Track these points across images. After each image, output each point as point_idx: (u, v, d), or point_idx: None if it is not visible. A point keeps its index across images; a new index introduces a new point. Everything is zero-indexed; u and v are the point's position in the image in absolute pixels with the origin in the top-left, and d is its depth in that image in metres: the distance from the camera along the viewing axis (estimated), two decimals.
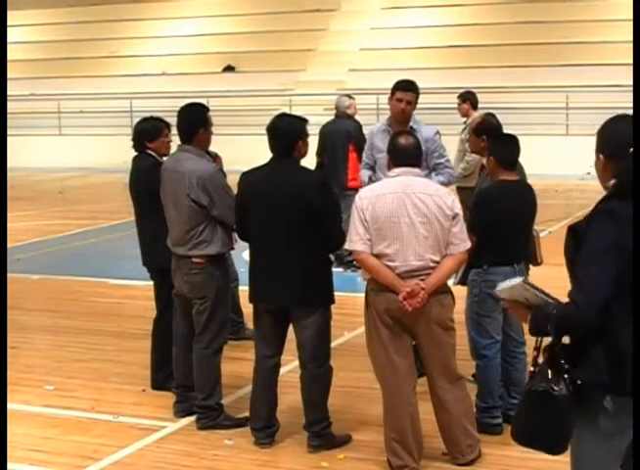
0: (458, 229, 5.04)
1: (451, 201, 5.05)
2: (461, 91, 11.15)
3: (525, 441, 3.41)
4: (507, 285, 3.64)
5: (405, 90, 6.58)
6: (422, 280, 4.97)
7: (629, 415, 3.18)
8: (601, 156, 3.39)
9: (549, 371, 3.27)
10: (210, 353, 5.87)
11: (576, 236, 3.34)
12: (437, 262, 5.01)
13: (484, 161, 5.89)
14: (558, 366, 3.26)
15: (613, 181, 3.33)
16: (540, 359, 3.36)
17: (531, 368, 3.36)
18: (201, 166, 5.74)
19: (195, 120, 5.85)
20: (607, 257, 3.21)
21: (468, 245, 5.10)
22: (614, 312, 3.22)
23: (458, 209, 5.05)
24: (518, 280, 3.66)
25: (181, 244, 5.80)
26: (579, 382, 3.22)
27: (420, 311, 4.98)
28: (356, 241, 5.02)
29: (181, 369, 6.05)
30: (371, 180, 6.39)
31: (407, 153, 5.14)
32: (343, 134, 10.83)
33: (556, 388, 3.23)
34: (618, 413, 3.21)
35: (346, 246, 5.14)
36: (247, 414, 5.79)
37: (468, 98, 10.84)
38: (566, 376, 3.23)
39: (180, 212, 5.77)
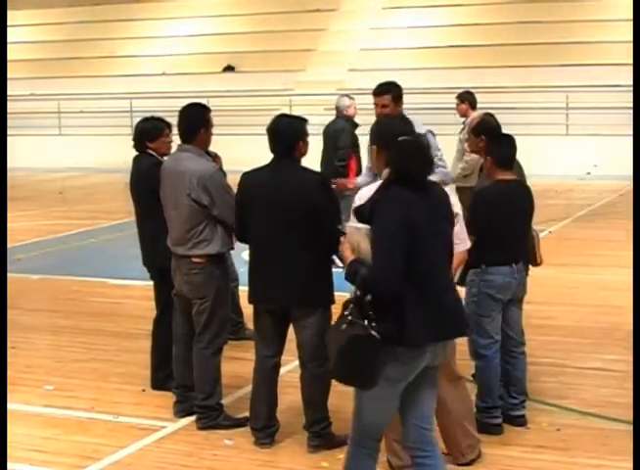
0: (458, 229, 5.03)
1: (451, 200, 5.04)
2: (460, 91, 11.15)
3: (345, 379, 4.07)
4: (355, 225, 4.11)
5: (377, 94, 6.63)
6: None
7: (410, 364, 3.93)
8: (374, 146, 4.13)
9: (365, 320, 3.86)
10: (210, 354, 5.87)
11: (361, 217, 4.03)
12: None
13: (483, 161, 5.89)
14: (369, 316, 3.86)
15: (387, 170, 4.07)
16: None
17: (349, 317, 3.91)
18: (201, 166, 5.74)
19: (196, 120, 5.86)
20: (397, 234, 3.86)
21: (468, 244, 5.10)
22: (406, 280, 3.86)
23: (458, 208, 5.05)
24: (366, 227, 4.05)
25: (181, 243, 5.80)
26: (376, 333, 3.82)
27: None
28: None
29: (181, 369, 6.05)
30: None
31: None
32: (330, 135, 11.03)
33: (374, 333, 3.83)
34: (403, 362, 3.92)
35: None
36: (247, 414, 5.79)
37: (466, 98, 10.85)
38: (374, 325, 3.84)
39: (180, 212, 5.77)
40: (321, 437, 5.49)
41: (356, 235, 4.09)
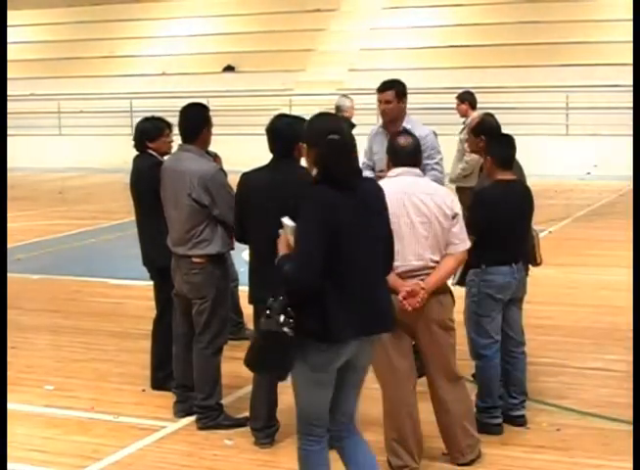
0: (458, 229, 5.04)
1: (451, 200, 5.05)
2: (460, 91, 11.15)
3: (259, 369, 4.27)
4: (287, 221, 4.16)
5: (381, 91, 6.63)
6: (422, 280, 4.97)
7: (333, 353, 4.05)
8: (304, 144, 4.18)
9: (281, 316, 3.96)
10: (210, 354, 5.87)
11: (290, 212, 4.12)
12: (437, 262, 5.01)
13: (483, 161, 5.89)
14: (287, 312, 3.97)
15: (316, 170, 4.12)
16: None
17: (267, 311, 4.02)
18: (202, 166, 5.74)
19: (199, 120, 5.86)
20: (316, 232, 3.92)
21: (468, 245, 5.10)
22: (326, 278, 3.94)
23: (458, 208, 5.05)
24: (294, 224, 4.13)
25: (181, 243, 5.80)
26: (298, 327, 3.95)
27: (420, 311, 4.98)
28: None
29: (181, 369, 6.05)
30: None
31: (406, 153, 5.14)
32: None
33: (287, 329, 3.95)
34: (325, 353, 4.04)
35: None
36: (247, 414, 5.80)
37: (466, 98, 10.85)
38: (291, 321, 3.95)
39: (180, 212, 5.77)
40: None
41: (288, 231, 4.16)
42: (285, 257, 4.12)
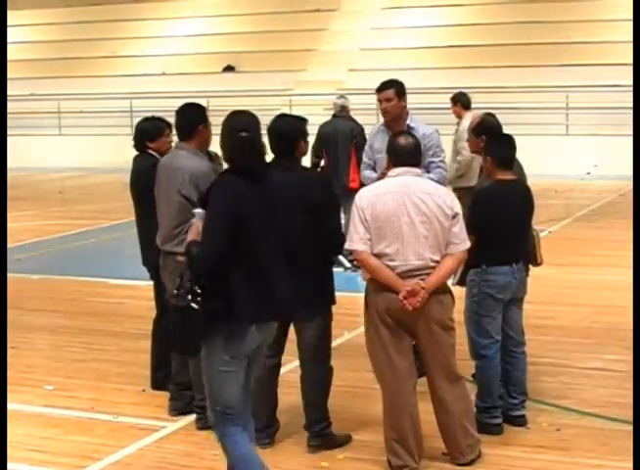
0: (458, 229, 5.04)
1: (451, 200, 5.05)
2: (463, 91, 11.15)
3: (178, 342, 4.42)
4: (198, 210, 4.43)
5: (380, 91, 6.62)
6: (422, 280, 4.97)
7: (241, 341, 4.25)
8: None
9: (189, 295, 4.18)
10: None
11: (201, 201, 4.37)
12: (437, 262, 5.01)
13: (481, 161, 5.88)
14: (194, 292, 4.18)
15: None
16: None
17: (175, 291, 4.26)
18: (194, 164, 5.72)
19: (193, 119, 5.85)
20: (221, 218, 4.18)
21: (468, 244, 5.10)
22: (230, 262, 4.18)
23: (458, 208, 5.06)
24: (204, 211, 4.37)
25: (168, 240, 5.78)
26: (205, 308, 4.16)
27: (420, 311, 4.98)
28: (356, 240, 5.03)
29: (177, 367, 6.05)
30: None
31: (407, 153, 5.14)
32: (348, 135, 10.76)
33: (195, 305, 4.17)
34: (235, 338, 4.23)
35: (346, 245, 5.14)
36: None
37: (459, 99, 10.86)
38: (199, 299, 4.16)
39: (170, 208, 5.76)
40: (321, 437, 5.48)
41: (198, 218, 4.42)
42: (193, 242, 4.36)
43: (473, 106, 10.86)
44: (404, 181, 5.05)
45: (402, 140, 5.20)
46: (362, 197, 5.09)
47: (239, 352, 4.33)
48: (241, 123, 4.43)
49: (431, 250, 4.99)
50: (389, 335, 5.08)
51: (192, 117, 5.86)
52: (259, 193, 4.32)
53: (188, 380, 5.91)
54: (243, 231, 4.23)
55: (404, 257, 4.96)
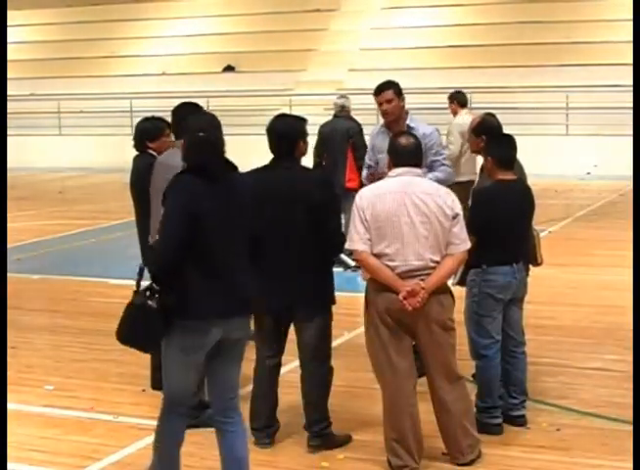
0: (458, 229, 5.04)
1: (451, 201, 5.05)
2: (463, 91, 11.17)
3: (124, 340, 4.48)
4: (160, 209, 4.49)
5: (380, 92, 6.62)
6: (422, 280, 4.97)
7: (198, 336, 4.33)
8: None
9: (147, 291, 4.31)
10: None
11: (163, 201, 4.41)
12: (437, 262, 5.01)
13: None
14: (152, 288, 4.30)
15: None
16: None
17: (135, 287, 4.40)
18: None
19: (186, 116, 5.83)
20: (178, 217, 4.28)
21: (468, 245, 5.09)
22: (186, 259, 4.27)
23: (458, 209, 5.05)
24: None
25: None
26: (161, 303, 4.28)
27: (420, 311, 4.98)
28: (356, 240, 5.03)
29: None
30: (374, 178, 6.35)
31: (407, 153, 5.14)
32: (344, 134, 10.80)
33: (151, 303, 4.28)
34: (191, 334, 4.32)
35: (347, 245, 5.14)
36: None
37: (455, 97, 10.94)
38: (156, 296, 4.28)
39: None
40: (321, 437, 5.48)
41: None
42: (155, 241, 4.54)
43: (473, 106, 10.91)
44: (405, 181, 5.05)
45: (403, 140, 5.20)
46: (362, 197, 5.09)
47: (194, 347, 4.40)
48: (199, 124, 4.49)
49: (431, 250, 4.99)
50: (389, 335, 5.08)
51: (186, 116, 5.84)
52: (217, 192, 4.36)
53: None
54: (200, 229, 4.30)
55: (404, 257, 4.96)
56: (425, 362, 5.22)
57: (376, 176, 6.11)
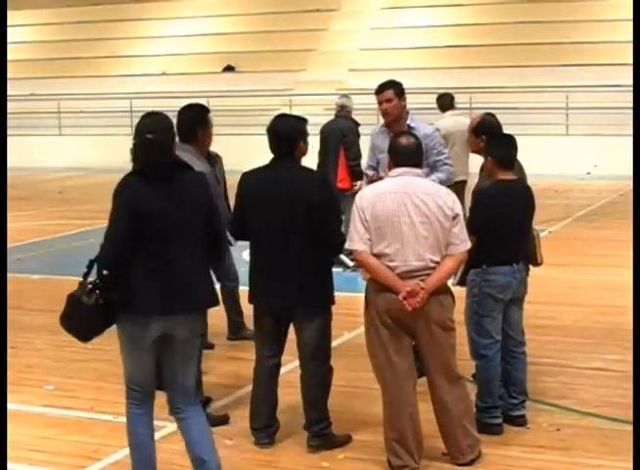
0: (458, 229, 5.04)
1: (451, 201, 5.05)
2: (463, 91, 11.17)
3: (64, 327, 4.79)
4: None
5: (380, 91, 6.63)
6: (422, 280, 4.97)
7: (141, 329, 4.53)
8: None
9: (89, 286, 4.54)
10: None
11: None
12: (437, 263, 5.01)
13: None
14: (95, 283, 4.52)
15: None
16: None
17: (82, 279, 4.61)
18: (195, 166, 5.71)
19: (194, 121, 5.84)
20: (122, 217, 4.46)
21: (468, 245, 5.09)
22: (133, 256, 4.46)
23: (458, 209, 5.05)
24: None
25: None
26: (107, 298, 4.50)
27: (420, 311, 4.98)
28: (356, 240, 5.03)
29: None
30: (372, 179, 6.36)
31: (408, 153, 5.14)
32: (338, 134, 10.82)
33: (85, 298, 4.51)
34: (133, 326, 4.53)
35: (346, 245, 5.14)
36: (226, 412, 5.92)
37: (437, 101, 10.97)
38: (97, 291, 4.49)
39: None
40: (321, 437, 5.48)
41: None
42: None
43: (473, 106, 10.92)
44: (405, 181, 5.05)
45: (404, 140, 5.20)
46: (362, 197, 5.09)
47: (140, 340, 4.59)
48: (148, 125, 4.55)
49: (431, 250, 4.98)
50: (389, 335, 5.08)
51: (190, 120, 5.85)
52: (165, 192, 4.48)
53: None
54: (145, 229, 4.44)
55: (404, 257, 4.96)
56: (425, 362, 5.22)
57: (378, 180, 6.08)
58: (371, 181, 6.24)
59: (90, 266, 4.65)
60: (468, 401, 5.34)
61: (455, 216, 5.01)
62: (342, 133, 10.77)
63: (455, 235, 5.02)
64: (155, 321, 4.53)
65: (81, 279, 4.63)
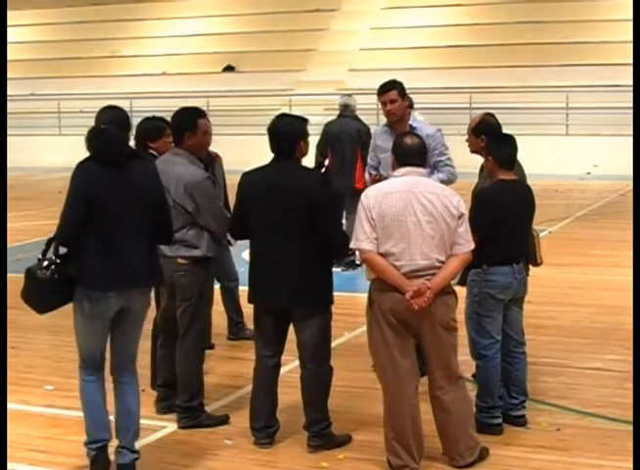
0: (463, 229, 5.04)
1: (457, 201, 5.05)
2: (463, 91, 11.14)
3: (24, 301, 5.16)
4: None
5: (384, 92, 6.62)
6: (427, 280, 4.96)
7: (96, 304, 4.85)
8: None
9: (45, 262, 4.89)
10: (194, 355, 5.86)
11: None
12: (443, 262, 5.00)
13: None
14: (51, 259, 4.88)
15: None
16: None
17: (39, 255, 4.93)
18: (189, 172, 5.70)
19: (179, 127, 5.81)
20: (75, 199, 4.88)
21: (472, 245, 5.09)
22: (85, 235, 4.83)
23: (463, 209, 5.06)
24: None
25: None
26: (57, 274, 4.86)
27: (426, 312, 4.96)
28: (363, 240, 5.01)
29: (165, 370, 6.06)
30: (375, 179, 6.35)
31: (412, 152, 5.14)
32: (354, 135, 10.67)
33: (39, 272, 4.89)
34: (87, 300, 4.85)
35: (352, 245, 5.12)
36: (226, 413, 5.91)
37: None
38: (53, 267, 4.84)
39: None
40: (321, 437, 5.48)
41: None
42: None
43: (473, 106, 10.88)
44: (410, 181, 5.04)
45: (408, 140, 5.21)
46: (368, 196, 5.08)
47: (100, 316, 4.92)
48: (104, 118, 5.07)
49: (437, 250, 4.98)
50: (393, 335, 5.07)
51: (176, 126, 5.83)
52: (115, 177, 4.86)
53: (175, 380, 5.92)
54: (97, 209, 4.82)
55: (410, 256, 4.95)
56: (427, 362, 5.21)
57: (380, 180, 6.07)
58: (374, 181, 6.24)
59: (48, 244, 4.95)
60: (468, 403, 5.32)
61: (460, 216, 5.01)
62: (358, 135, 10.62)
63: (460, 235, 5.03)
64: (114, 297, 4.87)
65: (40, 256, 4.95)
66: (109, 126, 4.97)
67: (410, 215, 4.94)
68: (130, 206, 4.89)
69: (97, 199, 4.83)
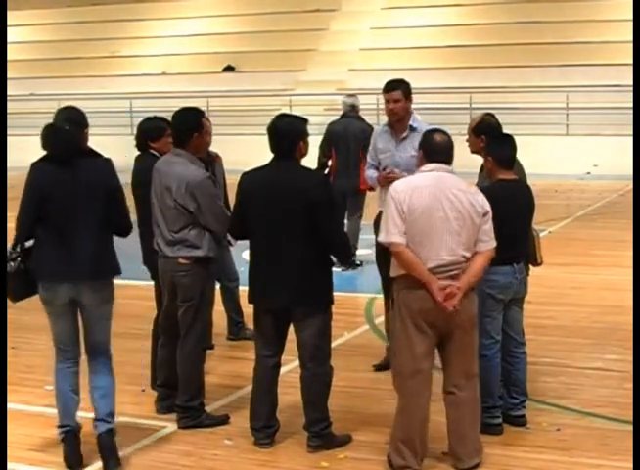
0: (488, 227, 5.06)
1: (481, 198, 5.07)
2: (463, 91, 11.12)
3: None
4: None
5: (389, 91, 6.63)
6: (451, 276, 4.97)
7: (49, 292, 5.20)
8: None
9: (12, 255, 5.17)
10: (195, 355, 5.86)
11: None
12: (467, 259, 5.02)
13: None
14: (15, 252, 5.17)
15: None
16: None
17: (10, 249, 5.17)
18: (191, 172, 5.71)
19: (189, 125, 5.82)
20: (28, 195, 5.26)
21: (494, 243, 5.10)
22: (38, 230, 5.16)
23: (488, 206, 5.08)
24: None
25: (169, 245, 5.81)
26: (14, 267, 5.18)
27: (454, 311, 4.98)
28: (395, 233, 4.98)
29: (165, 369, 6.06)
30: (389, 176, 6.33)
31: (440, 149, 5.15)
32: (359, 136, 10.56)
33: (7, 265, 5.16)
34: (43, 290, 5.22)
35: (381, 238, 5.08)
36: (226, 413, 5.93)
37: None
38: (18, 259, 5.16)
39: (166, 215, 5.78)
40: (321, 437, 5.48)
41: None
42: None
43: (473, 106, 10.86)
44: (438, 177, 5.06)
45: (437, 137, 5.21)
46: (398, 190, 5.04)
47: (50, 303, 5.25)
48: (58, 117, 5.35)
49: (462, 246, 5.00)
50: (419, 337, 5.04)
51: (187, 125, 5.83)
52: (65, 176, 5.11)
53: (175, 380, 5.92)
54: (48, 205, 5.11)
55: (437, 251, 4.96)
56: (446, 361, 5.22)
57: (395, 178, 6.03)
58: (387, 178, 6.26)
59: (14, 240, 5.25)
60: (478, 404, 5.33)
61: (486, 214, 5.03)
62: (363, 135, 10.53)
63: (485, 232, 5.04)
64: (60, 287, 5.17)
65: (10, 249, 5.23)
66: (58, 126, 5.24)
67: (438, 211, 4.94)
68: (79, 202, 5.15)
69: (49, 196, 5.13)
